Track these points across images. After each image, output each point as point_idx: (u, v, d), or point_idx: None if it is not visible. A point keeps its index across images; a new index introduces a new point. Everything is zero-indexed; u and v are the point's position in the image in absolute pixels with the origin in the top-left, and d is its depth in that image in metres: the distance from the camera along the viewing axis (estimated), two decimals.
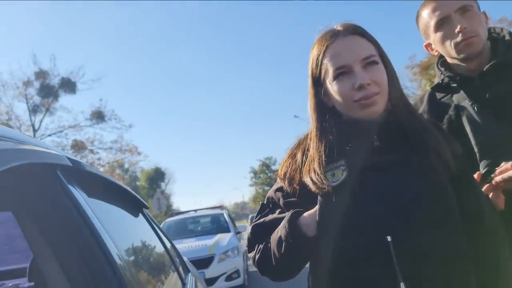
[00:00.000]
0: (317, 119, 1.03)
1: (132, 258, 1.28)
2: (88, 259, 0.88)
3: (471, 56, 1.30)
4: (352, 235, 0.90)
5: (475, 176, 1.13)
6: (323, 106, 1.04)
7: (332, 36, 1.00)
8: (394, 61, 1.06)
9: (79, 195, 0.97)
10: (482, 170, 1.19)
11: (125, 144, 22.15)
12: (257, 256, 1.05)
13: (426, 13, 1.36)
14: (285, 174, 1.05)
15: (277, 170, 1.12)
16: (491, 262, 0.96)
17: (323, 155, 0.97)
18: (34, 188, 0.87)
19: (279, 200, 1.08)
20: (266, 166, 46.35)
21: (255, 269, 1.08)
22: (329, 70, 0.99)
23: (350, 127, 0.99)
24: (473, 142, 1.25)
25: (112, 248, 0.97)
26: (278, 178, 1.09)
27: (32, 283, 1.77)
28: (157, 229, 2.01)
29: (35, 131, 19.80)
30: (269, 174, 44.73)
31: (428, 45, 1.43)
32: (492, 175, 1.13)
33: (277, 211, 1.07)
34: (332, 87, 0.99)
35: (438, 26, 1.33)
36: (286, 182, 1.04)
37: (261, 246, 1.04)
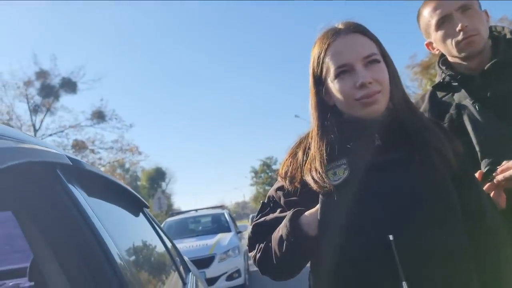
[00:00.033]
0: (319, 117, 1.02)
1: (132, 257, 1.27)
2: (89, 259, 0.88)
3: (472, 54, 1.30)
4: (354, 234, 0.90)
5: (477, 175, 1.13)
6: (325, 105, 1.03)
7: (333, 35, 1.00)
8: (395, 60, 1.05)
9: (79, 194, 0.96)
10: (484, 169, 1.19)
11: (126, 144, 22.13)
12: (258, 256, 1.04)
13: (427, 12, 1.36)
14: (286, 173, 1.04)
15: (278, 170, 1.11)
16: (493, 261, 0.95)
17: (325, 154, 0.96)
18: (34, 187, 0.87)
19: (280, 199, 1.07)
20: (267, 165, 46.34)
21: (256, 268, 1.08)
22: (330, 68, 0.99)
23: (352, 126, 0.98)
24: (474, 141, 1.24)
25: (113, 247, 0.96)
26: (279, 177, 1.08)
27: (32, 283, 1.77)
28: (157, 228, 2.00)
29: (36, 131, 19.79)
30: (270, 174, 44.72)
31: (429, 44, 1.42)
32: (493, 174, 1.13)
33: (278, 210, 1.06)
34: (334, 85, 0.99)
35: (439, 25, 1.32)
36: (287, 181, 1.04)
37: (262, 245, 1.04)
